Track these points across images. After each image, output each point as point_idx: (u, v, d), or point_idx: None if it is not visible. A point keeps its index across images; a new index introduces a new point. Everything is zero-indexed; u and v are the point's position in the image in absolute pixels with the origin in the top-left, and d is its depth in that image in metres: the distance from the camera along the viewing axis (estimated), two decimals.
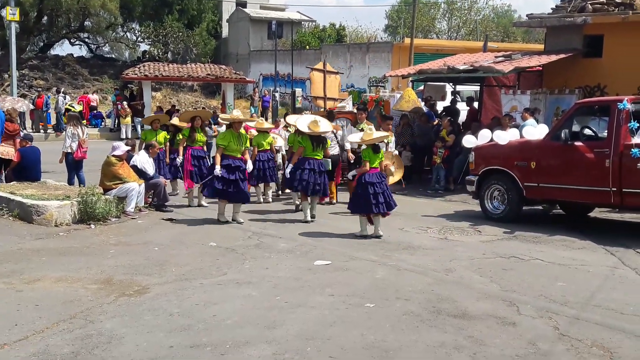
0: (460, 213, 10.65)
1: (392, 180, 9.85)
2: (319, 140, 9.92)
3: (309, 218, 9.82)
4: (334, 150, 11.05)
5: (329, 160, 10.44)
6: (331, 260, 7.49)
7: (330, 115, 12.37)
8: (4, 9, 32.51)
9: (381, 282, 6.63)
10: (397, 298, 6.06)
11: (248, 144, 10.52)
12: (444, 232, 9.27)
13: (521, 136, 10.52)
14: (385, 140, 9.95)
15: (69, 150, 11.82)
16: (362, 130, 10.71)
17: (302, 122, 10.03)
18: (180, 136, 11.56)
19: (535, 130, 10.45)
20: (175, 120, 12.31)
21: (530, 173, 9.72)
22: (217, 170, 9.35)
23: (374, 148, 8.93)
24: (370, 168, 8.80)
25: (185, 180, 11.14)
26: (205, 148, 11.66)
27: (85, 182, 11.85)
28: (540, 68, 14.33)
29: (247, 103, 34.42)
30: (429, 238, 8.87)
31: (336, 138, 11.27)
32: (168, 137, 12.13)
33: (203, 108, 29.40)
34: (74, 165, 11.98)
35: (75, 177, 12.07)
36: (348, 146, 11.23)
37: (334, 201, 11.48)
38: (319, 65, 17.41)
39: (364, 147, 9.03)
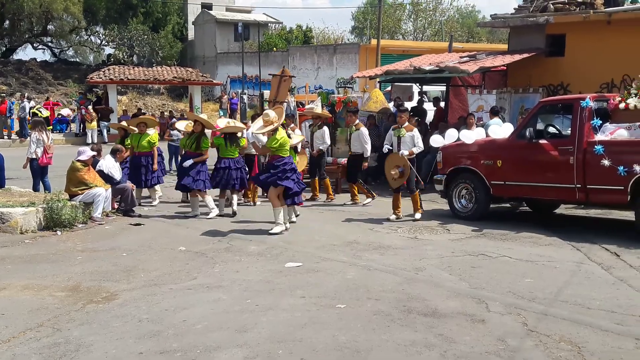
0: (429, 212, 10.74)
1: (395, 183, 10.12)
2: (232, 140, 10.86)
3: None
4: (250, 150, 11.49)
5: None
6: (302, 262, 7.49)
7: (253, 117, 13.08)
8: None
9: (352, 282, 6.64)
10: (367, 298, 6.08)
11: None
12: (414, 231, 9.34)
13: (487, 135, 10.66)
14: (397, 134, 10.30)
15: (34, 156, 11.59)
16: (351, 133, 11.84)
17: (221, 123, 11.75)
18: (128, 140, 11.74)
19: (501, 129, 10.59)
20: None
21: (497, 171, 9.85)
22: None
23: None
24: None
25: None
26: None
27: (50, 188, 11.64)
28: (505, 68, 14.54)
29: (216, 105, 34.28)
30: (399, 237, 8.93)
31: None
32: (154, 141, 11.85)
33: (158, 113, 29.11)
34: (39, 171, 11.75)
35: (41, 183, 11.84)
36: (322, 147, 12.18)
37: (316, 197, 12.29)
38: (280, 72, 17.73)
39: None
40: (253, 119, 13.25)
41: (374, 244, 8.48)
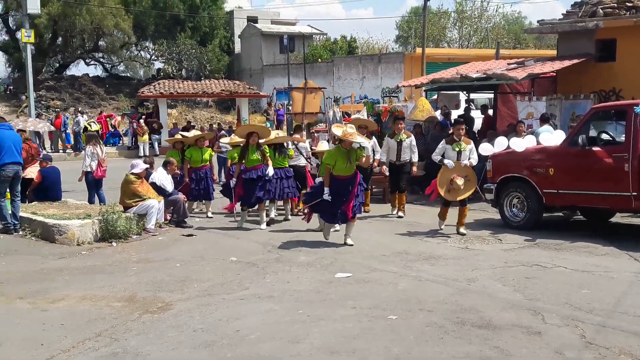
0: (479, 222, 10.61)
1: (460, 195, 9.64)
2: (280, 150, 11.15)
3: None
4: (297, 161, 11.83)
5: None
6: (352, 272, 7.49)
7: (297, 128, 13.66)
8: (19, 31, 33.03)
9: (403, 293, 6.61)
10: (420, 309, 6.04)
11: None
12: (465, 241, 9.24)
13: (538, 143, 10.48)
14: (457, 148, 9.80)
15: (89, 169, 11.93)
16: (400, 141, 11.34)
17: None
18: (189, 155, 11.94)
19: (552, 137, 10.41)
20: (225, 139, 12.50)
21: (549, 179, 9.67)
22: (327, 193, 8.89)
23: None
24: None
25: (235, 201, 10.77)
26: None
27: (105, 200, 11.95)
28: (554, 74, 14.29)
29: (263, 117, 34.59)
30: (450, 248, 8.85)
31: (298, 150, 11.90)
32: (213, 154, 12.31)
33: (223, 125, 29.51)
34: (93, 183, 12.08)
35: (96, 195, 12.17)
36: (378, 157, 11.78)
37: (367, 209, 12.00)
38: (301, 85, 18.03)
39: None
40: (296, 130, 13.48)
41: (424, 254, 8.42)
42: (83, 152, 12.70)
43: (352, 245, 8.96)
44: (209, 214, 11.89)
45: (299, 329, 5.57)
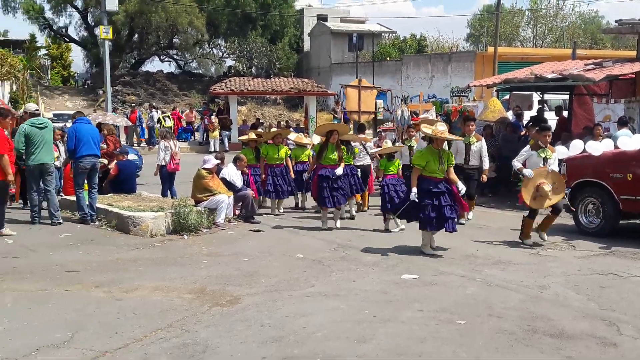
0: (552, 227, 10.28)
1: (547, 202, 8.91)
2: (347, 148, 11.01)
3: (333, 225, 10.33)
4: (364, 160, 11.88)
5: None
6: (418, 274, 7.42)
7: (361, 127, 13.78)
8: (98, 27, 34.31)
9: (472, 298, 6.50)
10: (489, 315, 5.92)
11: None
12: (536, 246, 9.00)
13: (616, 147, 10.10)
14: (543, 155, 9.02)
15: (163, 163, 12.29)
16: (469, 144, 10.73)
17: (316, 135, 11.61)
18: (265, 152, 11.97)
19: (631, 141, 10.00)
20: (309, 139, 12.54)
21: (627, 185, 9.30)
22: (413, 194, 8.31)
23: (388, 157, 10.42)
24: (387, 174, 10.25)
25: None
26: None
27: (177, 194, 12.27)
28: (633, 76, 13.72)
29: (329, 116, 34.71)
30: (520, 253, 8.63)
31: (365, 149, 11.94)
32: (289, 152, 12.36)
33: (294, 123, 29.81)
34: (167, 177, 12.44)
35: (168, 189, 12.52)
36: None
37: (365, 208, 12.12)
38: (354, 82, 18.07)
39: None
40: (360, 129, 13.45)
41: (493, 258, 8.26)
42: (157, 146, 13.06)
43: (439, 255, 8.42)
44: (281, 210, 12.00)
45: (365, 328, 5.56)
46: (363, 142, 11.98)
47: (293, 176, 12.09)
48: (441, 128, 8.47)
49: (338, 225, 10.36)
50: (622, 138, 10.34)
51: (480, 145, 10.84)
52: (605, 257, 8.36)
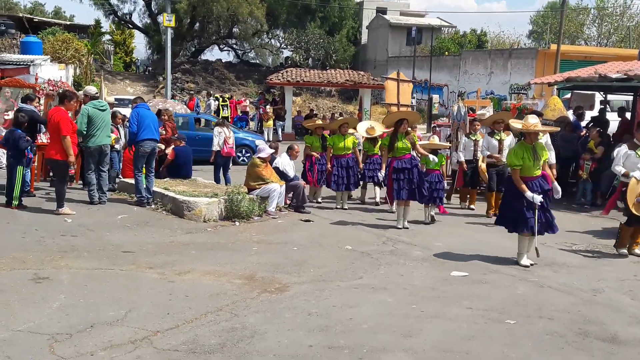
0: (608, 230, 10.02)
1: None
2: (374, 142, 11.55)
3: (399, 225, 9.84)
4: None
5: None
6: (468, 271, 7.34)
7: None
8: (161, 15, 35.02)
9: (522, 298, 6.40)
10: (539, 316, 5.82)
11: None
12: (591, 249, 8.77)
13: None
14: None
15: (218, 148, 12.55)
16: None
17: (361, 128, 11.71)
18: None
19: None
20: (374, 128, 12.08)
21: None
22: (536, 198, 7.44)
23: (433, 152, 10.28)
24: (427, 169, 10.29)
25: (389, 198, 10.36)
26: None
27: (230, 181, 12.47)
28: None
29: (384, 109, 34.56)
30: (574, 255, 8.43)
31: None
32: (357, 141, 12.01)
33: (344, 115, 29.80)
34: (222, 163, 12.68)
35: (222, 176, 12.76)
36: (461, 158, 11.65)
37: (472, 206, 11.90)
38: (393, 75, 17.94)
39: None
40: None
41: (546, 259, 8.08)
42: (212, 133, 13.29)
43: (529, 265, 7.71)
44: (345, 205, 11.48)
45: (412, 323, 5.55)
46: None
47: (361, 168, 11.81)
48: (533, 121, 7.64)
49: (406, 224, 9.86)
50: None
51: (545, 142, 9.98)
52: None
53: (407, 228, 9.76)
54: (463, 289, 6.69)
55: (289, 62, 45.16)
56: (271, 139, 22.60)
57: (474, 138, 11.60)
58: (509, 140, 10.80)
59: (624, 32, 45.22)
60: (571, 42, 43.95)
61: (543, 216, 7.64)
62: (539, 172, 7.65)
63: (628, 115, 15.71)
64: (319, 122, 12.60)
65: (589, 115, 16.73)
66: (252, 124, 29.20)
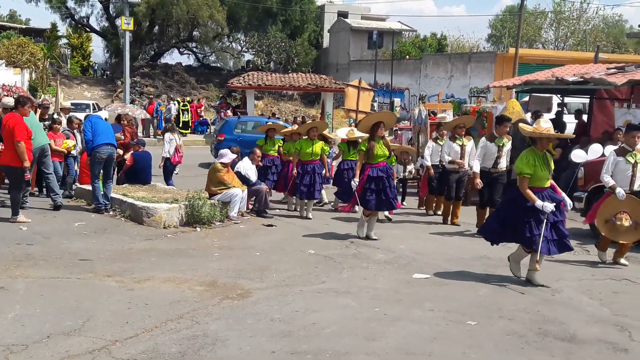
0: (568, 230, 10.18)
1: (623, 238, 7.89)
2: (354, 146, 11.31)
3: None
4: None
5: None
6: (430, 274, 7.38)
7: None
8: (119, 18, 34.55)
9: (483, 299, 6.46)
10: (500, 317, 5.88)
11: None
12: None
13: None
14: (633, 160, 7.98)
15: (168, 155, 12.54)
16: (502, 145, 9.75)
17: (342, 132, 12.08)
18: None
19: None
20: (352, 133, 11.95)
21: None
22: (547, 206, 6.77)
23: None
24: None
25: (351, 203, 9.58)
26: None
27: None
28: None
29: (346, 113, 34.71)
30: None
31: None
32: (327, 148, 11.61)
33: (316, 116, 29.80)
34: (171, 170, 12.65)
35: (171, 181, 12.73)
36: (428, 163, 11.40)
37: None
38: (355, 82, 18.16)
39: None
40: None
41: (505, 260, 8.15)
42: (162, 139, 13.23)
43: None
44: (309, 215, 11.00)
45: (375, 326, 5.54)
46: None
47: (328, 175, 11.47)
48: (545, 125, 6.94)
49: (373, 235, 9.33)
50: None
51: (509, 146, 10.02)
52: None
53: (377, 239, 9.17)
54: (425, 291, 6.72)
55: (251, 65, 45.01)
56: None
57: (442, 143, 11.18)
58: (470, 145, 10.59)
59: (581, 36, 46.30)
60: (529, 45, 44.79)
61: (556, 233, 6.93)
62: (549, 183, 7.04)
63: (585, 117, 16.06)
64: (295, 126, 12.57)
65: (547, 117, 17.01)
66: (213, 128, 28.97)
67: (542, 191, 6.92)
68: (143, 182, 11.83)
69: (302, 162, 11.08)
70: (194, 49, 49.13)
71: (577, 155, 10.52)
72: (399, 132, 16.94)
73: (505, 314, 5.95)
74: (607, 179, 8.07)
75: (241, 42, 48.68)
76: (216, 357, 4.84)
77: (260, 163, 11.67)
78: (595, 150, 10.35)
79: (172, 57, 50.34)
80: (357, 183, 9.07)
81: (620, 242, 8.00)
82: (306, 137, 11.30)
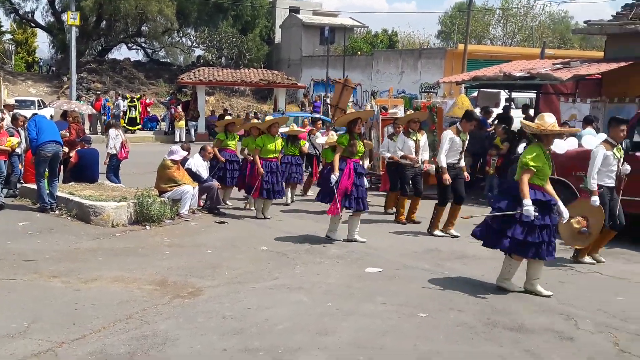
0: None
1: (581, 240, 7.69)
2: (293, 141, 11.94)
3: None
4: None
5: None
6: (383, 267, 7.43)
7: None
8: (65, 13, 33.64)
9: (434, 291, 6.53)
10: (450, 309, 5.96)
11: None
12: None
13: (580, 145, 10.24)
14: (620, 154, 7.88)
15: (114, 152, 12.31)
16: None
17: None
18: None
19: (595, 140, 10.15)
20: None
21: None
22: (531, 211, 6.24)
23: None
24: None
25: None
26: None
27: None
28: (600, 76, 13.96)
29: (298, 109, 34.66)
30: (483, 248, 8.64)
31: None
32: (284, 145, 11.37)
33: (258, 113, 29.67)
34: (117, 166, 12.46)
35: (114, 177, 12.48)
36: (387, 154, 10.88)
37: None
38: (341, 80, 18.31)
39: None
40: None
41: (456, 253, 8.32)
42: (106, 135, 12.88)
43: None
44: (268, 215, 10.57)
45: (327, 322, 5.54)
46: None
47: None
48: (550, 120, 6.51)
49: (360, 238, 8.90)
50: (587, 137, 10.49)
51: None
52: (565, 253, 8.43)
53: (364, 241, 8.77)
54: (377, 285, 6.76)
55: (201, 61, 44.42)
56: (183, 140, 22.17)
57: (396, 140, 10.86)
58: (423, 140, 10.44)
59: (528, 32, 47.34)
60: (478, 41, 45.54)
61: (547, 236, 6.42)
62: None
63: (532, 112, 16.42)
64: (255, 120, 12.40)
65: (496, 112, 17.35)
66: (164, 124, 28.53)
67: (540, 189, 6.49)
68: (90, 180, 11.55)
69: (264, 159, 10.38)
70: (143, 44, 48.22)
71: (524, 149, 10.71)
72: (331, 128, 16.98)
73: (455, 306, 6.03)
74: (594, 184, 7.69)
75: (191, 37, 48.01)
76: (166, 356, 4.76)
77: (221, 158, 11.42)
78: None
79: (120, 53, 49.52)
80: (338, 177, 8.55)
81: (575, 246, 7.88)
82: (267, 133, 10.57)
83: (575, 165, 9.70)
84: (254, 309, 5.83)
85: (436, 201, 9.59)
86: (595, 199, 7.58)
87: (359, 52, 41.16)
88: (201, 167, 11.02)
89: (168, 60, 49.83)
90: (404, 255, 8.15)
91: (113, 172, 12.52)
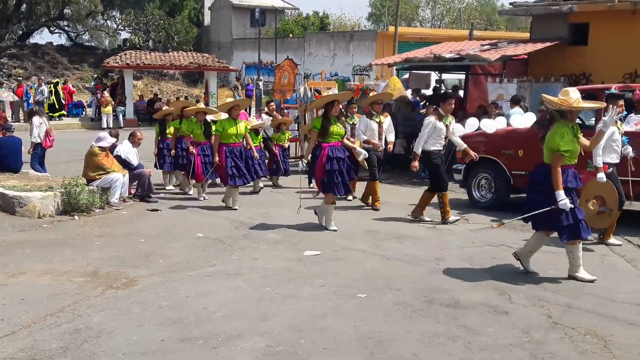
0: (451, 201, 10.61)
1: (603, 220, 7.49)
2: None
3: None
4: None
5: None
6: (321, 250, 7.43)
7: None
8: None
9: (372, 272, 6.58)
10: (389, 288, 6.01)
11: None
12: (433, 220, 9.22)
13: (509, 125, 10.52)
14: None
15: (39, 140, 11.84)
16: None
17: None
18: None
19: (523, 119, 10.45)
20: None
21: (518, 161, 9.72)
22: (567, 204, 6.06)
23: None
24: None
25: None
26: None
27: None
28: (526, 56, 14.35)
29: (231, 92, 34.21)
30: (419, 227, 8.83)
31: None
32: (248, 127, 10.65)
33: (190, 98, 29.06)
34: (41, 154, 12.03)
35: (39, 166, 12.05)
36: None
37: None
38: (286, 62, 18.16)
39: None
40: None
41: (393, 233, 8.40)
42: (30, 123, 12.35)
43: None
44: (236, 204, 10.02)
45: (266, 306, 5.49)
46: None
47: (257, 156, 10.60)
48: (575, 95, 6.15)
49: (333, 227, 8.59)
50: (515, 116, 10.81)
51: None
52: (497, 229, 8.66)
53: (336, 230, 8.49)
54: (316, 267, 6.75)
55: (128, 44, 43.14)
56: (111, 126, 21.54)
57: (351, 122, 10.66)
58: (387, 122, 10.23)
59: (456, 14, 48.21)
60: (407, 24, 46.07)
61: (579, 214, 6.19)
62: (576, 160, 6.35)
63: (461, 92, 16.74)
64: (202, 104, 11.59)
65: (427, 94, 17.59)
66: (90, 111, 27.60)
67: (570, 169, 6.25)
68: (12, 169, 11.04)
69: (225, 144, 9.81)
70: (66, 28, 46.41)
71: (456, 129, 10.91)
72: (285, 111, 16.88)
73: (394, 285, 6.09)
74: (599, 159, 7.45)
75: (117, 19, 46.57)
76: (101, 350, 4.59)
77: (192, 148, 10.75)
78: (472, 124, 10.81)
79: (42, 37, 47.65)
80: (307, 163, 8.45)
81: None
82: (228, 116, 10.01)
83: (505, 144, 9.97)
84: (191, 298, 5.71)
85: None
86: (602, 176, 7.40)
87: (291, 35, 40.93)
88: (131, 153, 10.70)
89: (93, 44, 48.23)
90: (342, 237, 8.17)
91: (38, 161, 12.06)
